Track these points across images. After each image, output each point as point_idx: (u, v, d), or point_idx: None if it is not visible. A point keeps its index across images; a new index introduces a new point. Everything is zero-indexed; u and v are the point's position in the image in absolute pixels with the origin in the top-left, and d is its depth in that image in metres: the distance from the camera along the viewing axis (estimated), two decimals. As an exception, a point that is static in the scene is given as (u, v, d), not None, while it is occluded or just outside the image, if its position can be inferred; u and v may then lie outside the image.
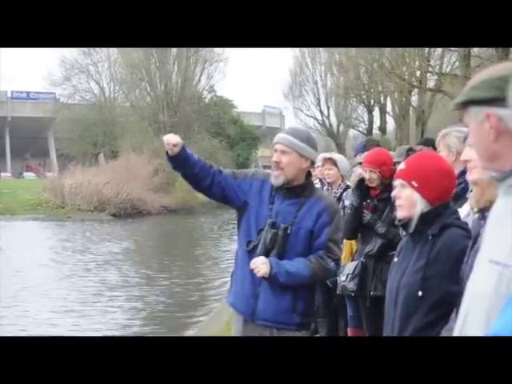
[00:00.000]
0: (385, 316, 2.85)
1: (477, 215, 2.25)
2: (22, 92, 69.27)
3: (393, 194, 2.83)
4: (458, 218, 2.79)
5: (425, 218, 2.70)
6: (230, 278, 3.82)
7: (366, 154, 5.36)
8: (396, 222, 2.87)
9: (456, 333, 1.77)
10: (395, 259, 2.87)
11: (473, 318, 1.65)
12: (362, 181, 5.01)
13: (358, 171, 5.25)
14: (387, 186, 4.93)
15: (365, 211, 4.96)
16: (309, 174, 3.65)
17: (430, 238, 2.69)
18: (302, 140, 3.54)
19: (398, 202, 2.79)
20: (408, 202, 2.74)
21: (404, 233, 2.85)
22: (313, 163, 3.66)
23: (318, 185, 6.67)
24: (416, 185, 2.72)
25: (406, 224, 2.75)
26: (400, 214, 2.77)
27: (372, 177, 4.86)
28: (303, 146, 3.53)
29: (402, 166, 2.83)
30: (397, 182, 2.82)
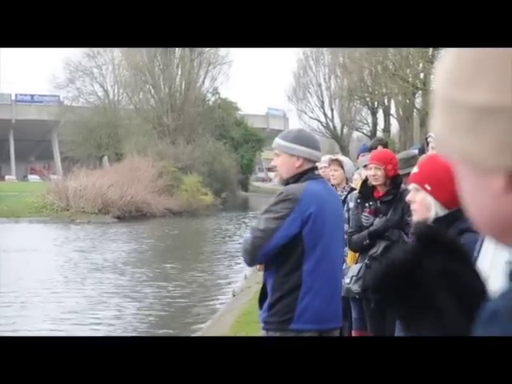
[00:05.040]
0: None
1: None
2: (26, 95, 69.43)
3: (407, 198, 2.80)
4: None
5: (441, 222, 2.65)
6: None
7: (372, 153, 5.39)
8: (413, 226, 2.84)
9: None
10: None
11: None
12: (365, 181, 5.02)
13: (363, 172, 5.24)
14: (390, 189, 4.93)
15: (367, 214, 4.97)
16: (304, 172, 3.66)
17: None
18: (288, 140, 3.68)
19: (412, 206, 2.76)
20: (422, 205, 2.70)
21: None
22: (310, 160, 3.67)
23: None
24: (429, 188, 2.68)
25: None
26: (415, 218, 2.75)
27: (377, 173, 4.86)
28: (290, 146, 3.65)
29: (415, 169, 2.81)
30: (411, 186, 2.79)
